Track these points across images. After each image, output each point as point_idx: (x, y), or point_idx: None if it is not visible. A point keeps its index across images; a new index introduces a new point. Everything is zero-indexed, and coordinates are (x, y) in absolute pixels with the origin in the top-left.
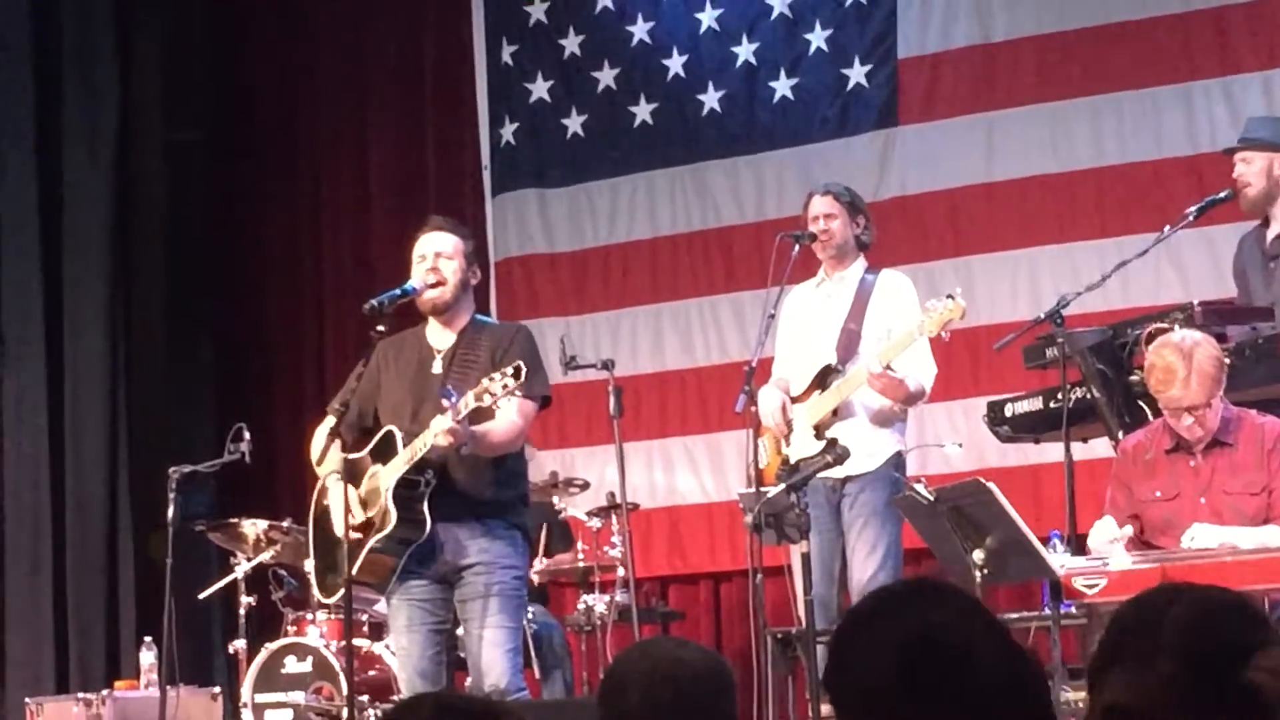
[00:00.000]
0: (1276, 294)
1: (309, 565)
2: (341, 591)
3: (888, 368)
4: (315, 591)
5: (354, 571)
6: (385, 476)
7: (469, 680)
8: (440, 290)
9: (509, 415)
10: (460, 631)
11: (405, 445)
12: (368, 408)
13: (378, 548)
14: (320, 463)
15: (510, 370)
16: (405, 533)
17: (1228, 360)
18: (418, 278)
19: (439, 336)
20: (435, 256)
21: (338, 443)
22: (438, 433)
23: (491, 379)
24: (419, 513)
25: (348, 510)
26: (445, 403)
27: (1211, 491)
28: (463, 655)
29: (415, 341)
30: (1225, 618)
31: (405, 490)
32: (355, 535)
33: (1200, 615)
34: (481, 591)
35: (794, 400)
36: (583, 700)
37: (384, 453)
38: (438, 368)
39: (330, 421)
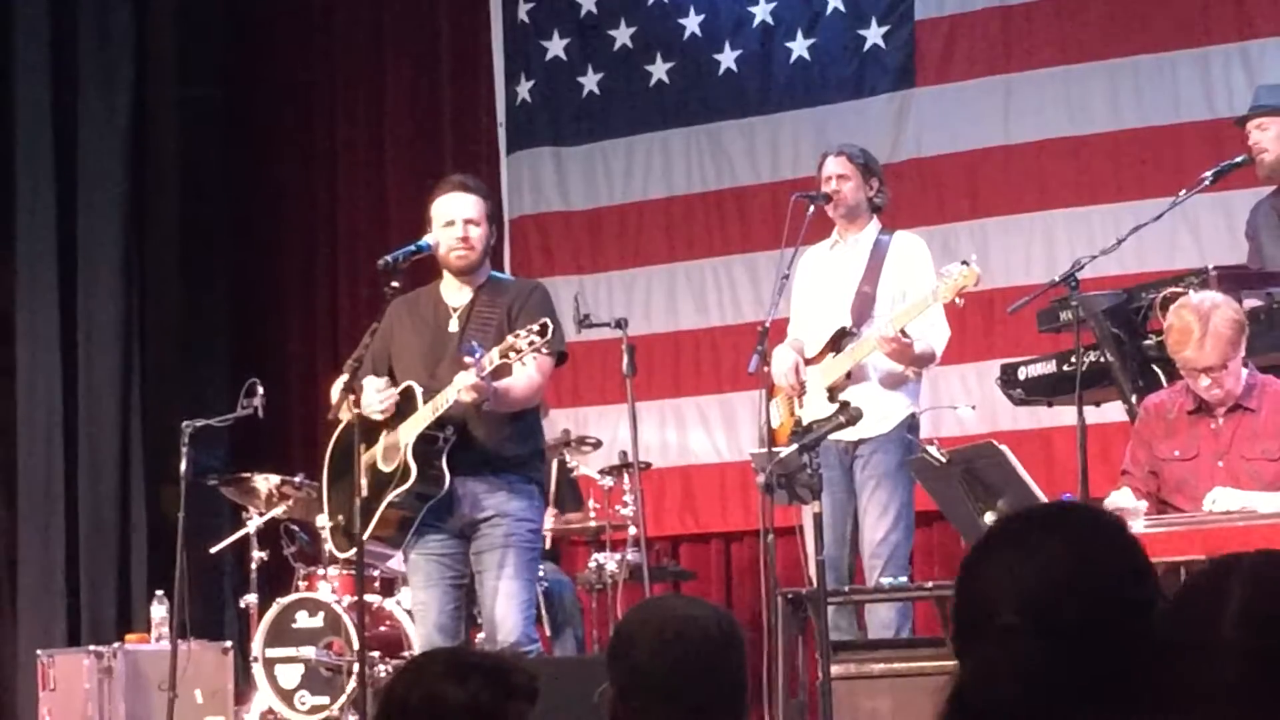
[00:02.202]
0: None
1: (321, 520)
2: (352, 551)
3: (902, 332)
4: (330, 546)
5: (371, 525)
6: (405, 432)
7: (481, 634)
8: (469, 255)
9: (528, 371)
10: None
11: (425, 401)
12: (382, 365)
13: (396, 502)
14: (336, 415)
15: (536, 327)
16: (424, 488)
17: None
18: (445, 242)
19: (455, 294)
20: (465, 224)
21: (351, 398)
22: (461, 388)
23: (517, 335)
24: (438, 468)
25: (360, 467)
26: (468, 359)
27: (1230, 455)
28: (475, 612)
29: (430, 299)
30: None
31: (425, 445)
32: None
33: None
34: (498, 543)
35: (808, 361)
36: (593, 657)
37: (403, 408)
38: (454, 325)
39: (345, 378)
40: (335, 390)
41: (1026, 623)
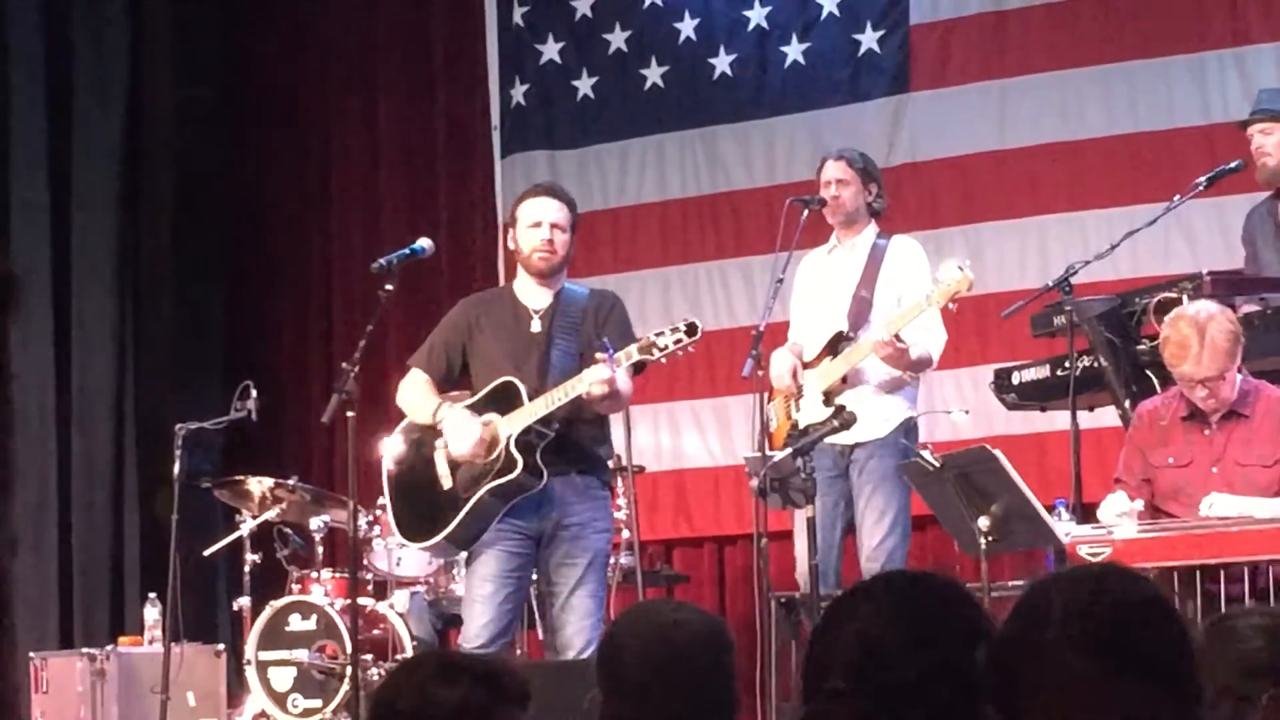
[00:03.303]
0: None
1: (314, 524)
2: (434, 540)
3: (896, 336)
4: (398, 535)
5: (460, 517)
6: (505, 425)
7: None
8: (550, 258)
9: (622, 376)
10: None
11: (531, 396)
12: (455, 366)
13: (498, 491)
14: (419, 410)
15: (684, 326)
16: (527, 479)
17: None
18: (529, 244)
19: (534, 296)
20: (552, 228)
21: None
22: (593, 382)
23: (661, 334)
24: (536, 464)
25: (355, 463)
26: (601, 355)
27: (1224, 461)
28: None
29: (506, 300)
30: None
31: (527, 438)
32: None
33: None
34: (577, 558)
35: (806, 365)
36: (584, 662)
37: (500, 402)
38: (537, 326)
39: (421, 375)
40: (408, 387)
41: (850, 684)
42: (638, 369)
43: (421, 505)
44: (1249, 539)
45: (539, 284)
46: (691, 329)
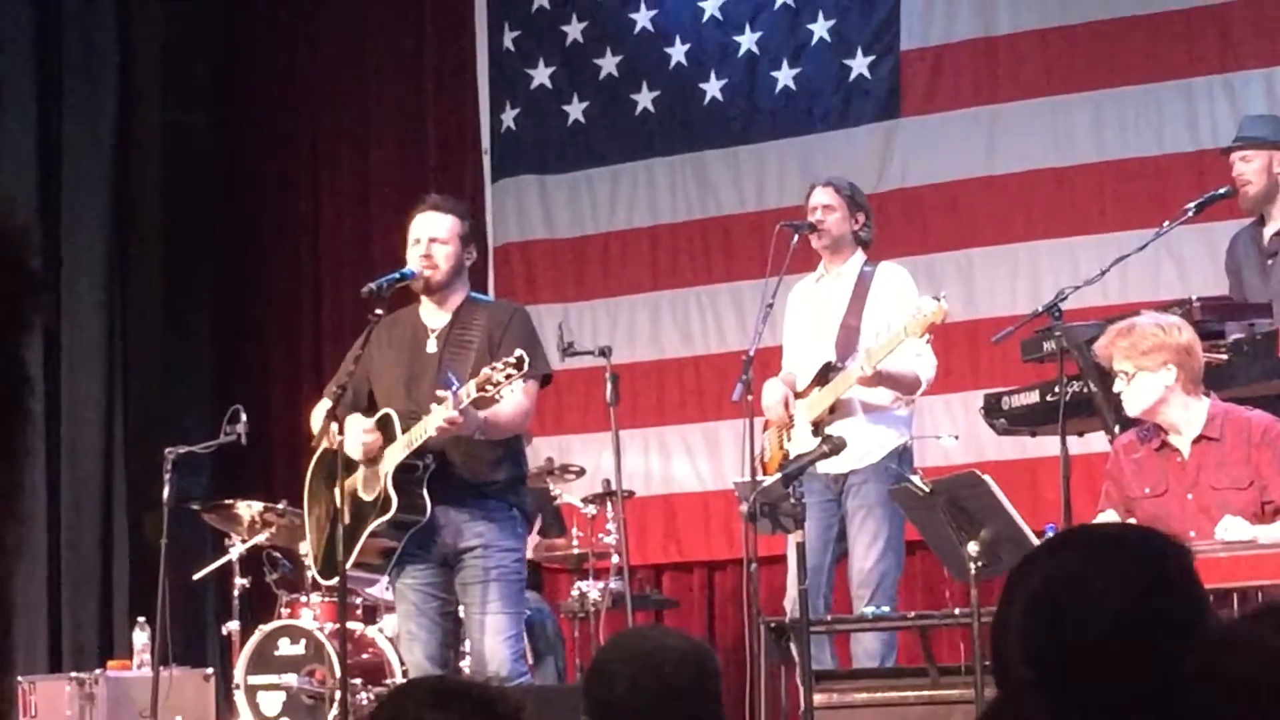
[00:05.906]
0: (1274, 291)
1: (304, 548)
2: (335, 580)
3: (878, 368)
4: (314, 573)
5: (354, 554)
6: (384, 460)
7: (464, 662)
8: (431, 274)
9: (514, 397)
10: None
11: (404, 429)
12: (363, 388)
13: (378, 531)
14: (320, 444)
15: (513, 360)
16: (405, 517)
17: (1223, 356)
18: (412, 261)
19: (433, 316)
20: (429, 242)
21: (335, 426)
22: (437, 425)
23: (494, 368)
24: (419, 496)
25: (343, 494)
26: (446, 393)
27: (1199, 487)
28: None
29: (409, 320)
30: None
31: (404, 474)
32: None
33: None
34: (481, 576)
35: (797, 396)
36: (575, 686)
37: (383, 436)
38: (432, 347)
39: (327, 404)
40: (316, 416)
41: (1040, 674)
42: (543, 381)
43: (327, 543)
44: (1237, 564)
45: (435, 302)
46: (520, 362)
